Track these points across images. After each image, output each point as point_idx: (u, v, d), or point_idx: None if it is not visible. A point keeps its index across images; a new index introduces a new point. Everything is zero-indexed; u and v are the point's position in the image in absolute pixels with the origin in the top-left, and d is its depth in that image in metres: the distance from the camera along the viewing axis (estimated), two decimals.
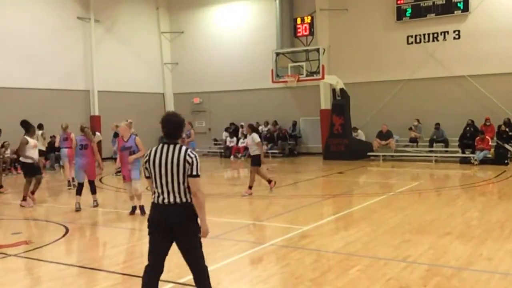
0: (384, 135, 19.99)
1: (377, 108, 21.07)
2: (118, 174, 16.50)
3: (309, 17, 21.23)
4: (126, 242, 7.70)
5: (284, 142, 22.31)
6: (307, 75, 19.43)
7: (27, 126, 11.28)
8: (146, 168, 4.29)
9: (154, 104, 25.26)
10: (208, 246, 7.07)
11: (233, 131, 23.50)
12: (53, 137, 18.75)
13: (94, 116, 22.21)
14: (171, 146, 4.22)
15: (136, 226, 8.92)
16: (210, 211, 9.74)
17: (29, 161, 10.93)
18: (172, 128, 4.28)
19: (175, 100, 26.21)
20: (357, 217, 9.25)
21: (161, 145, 4.26)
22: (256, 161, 11.28)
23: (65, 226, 8.73)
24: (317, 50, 19.37)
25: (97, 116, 22.24)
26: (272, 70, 20.00)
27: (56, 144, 17.72)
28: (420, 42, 20.44)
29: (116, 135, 17.12)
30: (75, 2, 21.86)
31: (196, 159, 4.22)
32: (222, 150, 23.39)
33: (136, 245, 7.42)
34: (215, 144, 24.58)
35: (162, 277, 4.37)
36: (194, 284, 4.33)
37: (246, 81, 23.54)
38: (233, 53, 24.04)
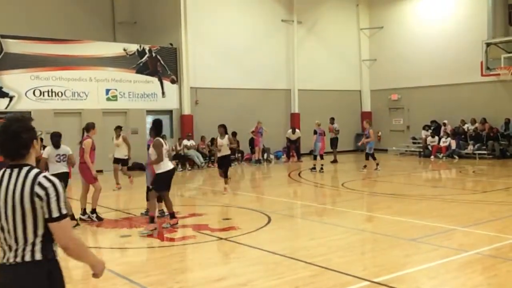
0: None
1: None
2: (314, 170, 17.12)
3: None
4: (324, 235, 7.94)
5: (494, 142, 20.13)
6: None
7: None
8: None
9: (350, 101, 25.35)
10: (406, 248, 6.95)
11: (435, 129, 22.15)
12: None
13: (294, 114, 23.33)
14: (15, 172, 2.61)
15: (334, 221, 9.15)
16: (408, 212, 9.50)
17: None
18: (8, 141, 2.60)
19: (371, 97, 25.89)
20: None
21: (3, 170, 2.68)
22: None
23: (268, 216, 9.44)
24: None
25: (296, 114, 23.30)
26: (482, 63, 18.35)
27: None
28: None
29: (315, 132, 17.75)
30: (280, 6, 23.21)
31: (56, 189, 2.56)
32: (421, 149, 22.24)
33: (333, 240, 7.60)
34: (414, 143, 23.52)
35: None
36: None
37: (450, 75, 21.90)
38: (436, 46, 22.60)
